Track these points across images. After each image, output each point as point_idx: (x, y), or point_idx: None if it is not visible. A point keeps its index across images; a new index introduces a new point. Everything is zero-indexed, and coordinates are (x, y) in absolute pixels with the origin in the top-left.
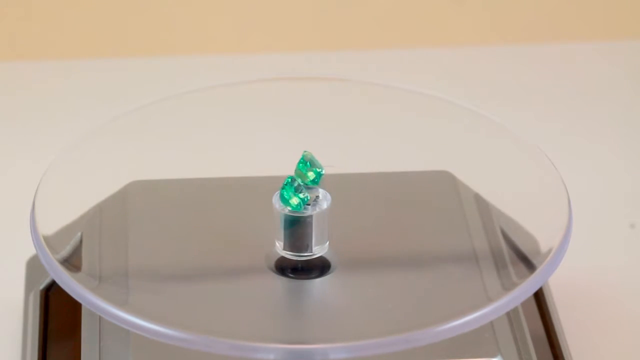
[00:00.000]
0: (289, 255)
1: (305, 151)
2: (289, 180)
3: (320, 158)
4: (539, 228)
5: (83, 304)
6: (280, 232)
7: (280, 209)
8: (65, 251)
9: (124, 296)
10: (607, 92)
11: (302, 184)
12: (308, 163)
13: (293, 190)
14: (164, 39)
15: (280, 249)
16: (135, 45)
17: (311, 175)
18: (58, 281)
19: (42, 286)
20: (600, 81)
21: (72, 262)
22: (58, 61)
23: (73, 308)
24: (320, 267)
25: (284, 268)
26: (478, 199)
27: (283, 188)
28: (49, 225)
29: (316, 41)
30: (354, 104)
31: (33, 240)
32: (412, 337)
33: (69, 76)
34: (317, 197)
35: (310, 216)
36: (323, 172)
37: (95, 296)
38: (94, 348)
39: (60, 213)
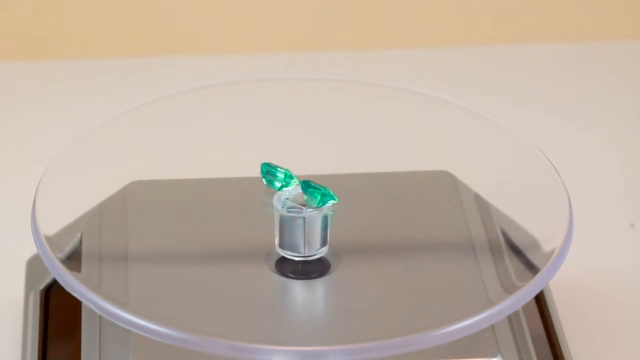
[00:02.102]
0: (308, 257)
1: (262, 164)
2: (304, 184)
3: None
4: (540, 229)
5: (85, 303)
6: (301, 236)
7: (304, 214)
8: (66, 251)
9: (124, 296)
10: (607, 92)
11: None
12: (278, 171)
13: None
14: (164, 39)
15: (301, 253)
16: (135, 45)
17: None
18: (60, 280)
19: (42, 286)
20: (600, 81)
21: (72, 262)
22: (58, 61)
23: (73, 308)
24: (320, 267)
25: (284, 268)
26: (478, 199)
27: (310, 191)
28: (50, 226)
29: (316, 41)
30: (354, 104)
31: (34, 240)
32: (412, 340)
33: (69, 76)
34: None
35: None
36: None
37: (97, 295)
38: (94, 348)
39: (61, 213)
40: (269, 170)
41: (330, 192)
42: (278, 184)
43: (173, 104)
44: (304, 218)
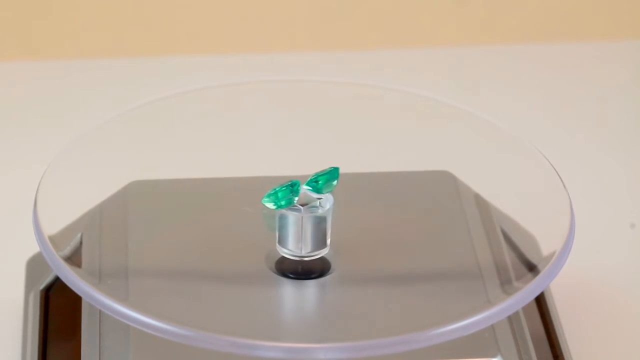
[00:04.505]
0: (308, 257)
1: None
2: (310, 184)
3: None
4: (540, 229)
5: (89, 301)
6: (303, 235)
7: (323, 212)
8: (67, 251)
9: (124, 293)
10: (607, 92)
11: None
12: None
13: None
14: (164, 39)
15: (301, 253)
16: (135, 45)
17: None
18: (62, 278)
19: (42, 286)
20: (600, 81)
21: (73, 262)
22: (58, 61)
23: (73, 308)
24: (320, 268)
25: (284, 268)
26: (478, 199)
27: (321, 181)
28: (50, 226)
29: (316, 41)
30: (354, 105)
31: (36, 238)
32: (411, 339)
33: (69, 76)
34: (320, 198)
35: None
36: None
37: (100, 293)
38: (94, 348)
39: (61, 213)
40: (276, 196)
41: (327, 170)
42: (294, 197)
43: (173, 104)
44: (304, 217)
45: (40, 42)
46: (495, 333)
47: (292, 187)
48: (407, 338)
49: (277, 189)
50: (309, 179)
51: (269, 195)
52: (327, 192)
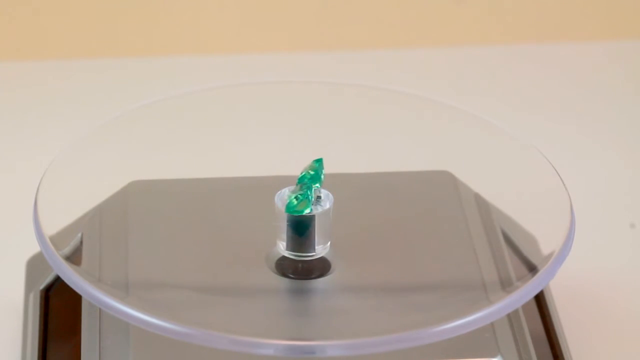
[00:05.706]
0: (309, 257)
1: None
2: (304, 175)
3: (320, 157)
4: (540, 229)
5: (89, 299)
6: (303, 235)
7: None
8: (67, 251)
9: (125, 293)
10: (607, 92)
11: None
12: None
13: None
14: (164, 39)
15: (302, 253)
16: (135, 45)
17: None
18: (63, 277)
19: (42, 286)
20: (600, 81)
21: (73, 261)
22: (58, 61)
23: (73, 308)
24: (320, 267)
25: (285, 268)
26: (478, 199)
27: (312, 177)
28: (50, 226)
29: (316, 41)
30: (354, 106)
31: (36, 238)
32: (410, 336)
33: (69, 76)
34: (320, 197)
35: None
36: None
37: (101, 291)
38: (94, 348)
39: (61, 213)
40: (299, 202)
41: (314, 166)
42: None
43: (173, 105)
44: (308, 217)
45: (41, 42)
46: (495, 333)
47: (308, 189)
48: (406, 336)
49: (298, 196)
50: (298, 178)
51: (290, 203)
52: (319, 186)
